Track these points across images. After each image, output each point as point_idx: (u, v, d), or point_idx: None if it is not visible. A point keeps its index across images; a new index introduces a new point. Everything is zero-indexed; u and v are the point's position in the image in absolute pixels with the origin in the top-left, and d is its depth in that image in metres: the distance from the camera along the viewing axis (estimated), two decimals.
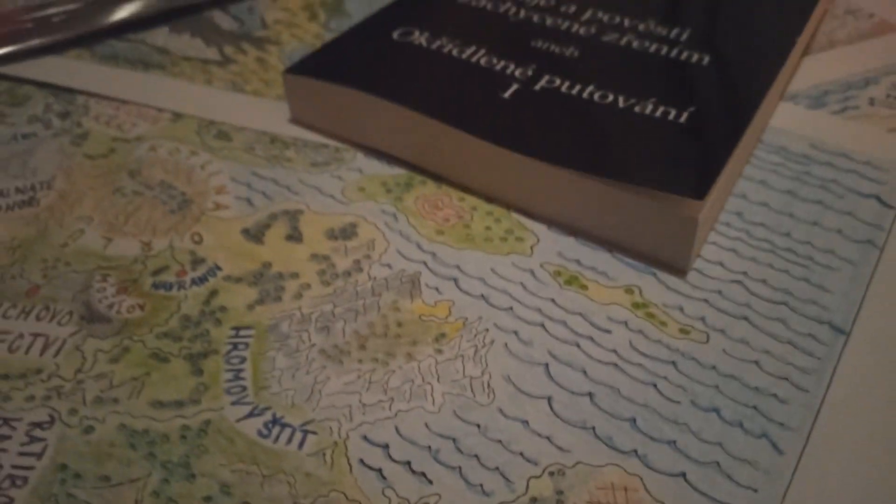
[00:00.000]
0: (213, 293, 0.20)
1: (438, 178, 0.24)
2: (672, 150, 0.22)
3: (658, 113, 0.23)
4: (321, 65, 0.26)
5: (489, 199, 0.24)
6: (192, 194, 0.24)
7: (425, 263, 0.21)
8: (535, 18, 0.28)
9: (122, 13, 0.31)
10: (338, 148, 0.26)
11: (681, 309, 0.20)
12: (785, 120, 0.27)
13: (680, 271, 0.21)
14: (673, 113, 0.23)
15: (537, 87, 0.24)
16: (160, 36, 0.32)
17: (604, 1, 0.29)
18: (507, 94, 0.24)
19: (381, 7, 0.33)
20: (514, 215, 0.23)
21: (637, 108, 0.23)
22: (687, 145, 0.22)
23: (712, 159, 0.21)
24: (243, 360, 0.19)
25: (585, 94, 0.24)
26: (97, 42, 0.31)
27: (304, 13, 0.33)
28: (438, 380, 0.18)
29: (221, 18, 0.33)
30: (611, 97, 0.24)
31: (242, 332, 0.19)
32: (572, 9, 0.29)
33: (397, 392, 0.18)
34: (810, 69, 0.30)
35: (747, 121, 0.23)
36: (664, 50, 0.26)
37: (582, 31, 0.27)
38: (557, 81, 0.25)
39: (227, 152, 0.25)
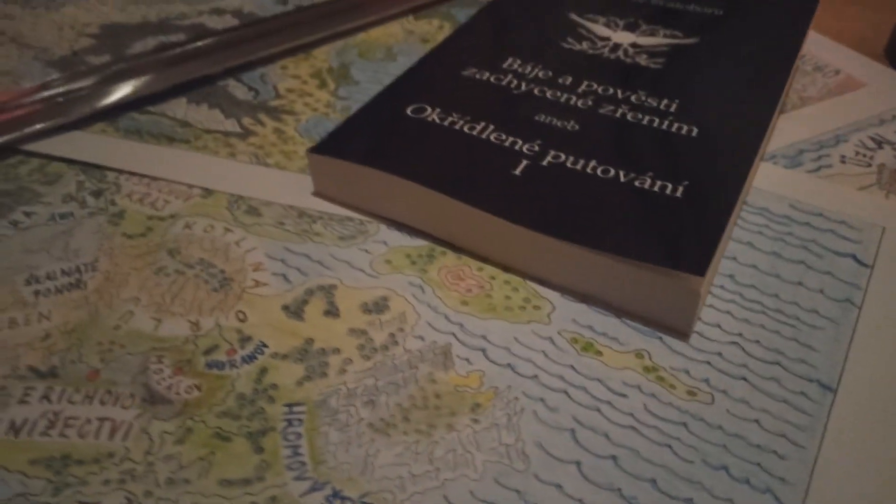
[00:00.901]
0: (263, 371, 0.22)
1: (457, 249, 0.26)
2: (671, 226, 0.24)
3: (656, 187, 0.25)
4: (342, 144, 0.28)
5: (505, 269, 0.26)
6: (231, 272, 0.25)
7: (454, 335, 0.23)
8: (536, 91, 0.31)
9: (141, 87, 0.33)
10: (361, 221, 0.28)
11: (687, 371, 0.22)
12: (766, 180, 0.30)
13: (683, 334, 0.23)
14: (669, 187, 0.25)
15: (544, 162, 0.27)
16: (179, 108, 0.33)
17: (597, 72, 0.32)
18: (517, 171, 0.26)
19: (390, 79, 0.35)
20: (530, 284, 0.25)
21: (637, 183, 0.26)
22: (685, 220, 0.24)
23: (710, 234, 0.23)
24: (299, 436, 0.21)
25: (589, 169, 0.26)
26: (118, 115, 0.33)
27: (313, 81, 0.35)
28: (478, 448, 0.20)
29: (236, 88, 0.35)
30: (612, 172, 0.26)
31: (295, 409, 0.21)
32: (569, 80, 0.31)
33: (442, 461, 0.20)
34: (785, 128, 0.33)
35: (738, 192, 0.25)
36: (656, 122, 0.29)
37: (580, 103, 0.30)
38: (562, 156, 0.27)
39: (259, 228, 0.27)
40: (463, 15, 0.41)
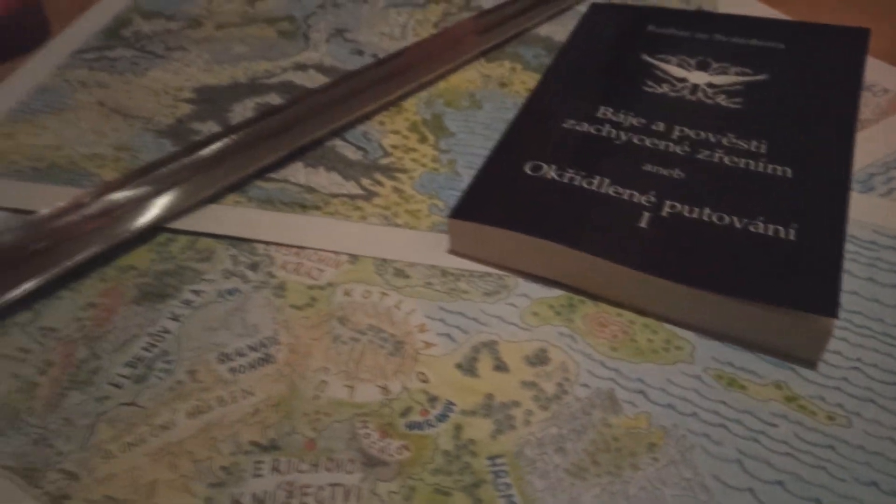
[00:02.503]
0: (458, 428, 0.25)
1: (593, 297, 0.30)
2: (795, 268, 0.27)
3: (770, 231, 0.29)
4: (477, 208, 0.31)
5: (642, 313, 0.29)
6: (400, 335, 0.28)
7: (614, 380, 0.27)
8: (636, 140, 0.34)
9: (262, 156, 0.35)
10: (500, 275, 0.31)
11: (822, 398, 0.26)
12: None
13: (812, 363, 0.27)
14: (782, 231, 0.29)
15: (664, 213, 0.30)
16: (300, 173, 0.36)
17: (685, 117, 0.35)
18: (643, 224, 0.29)
19: (481, 128, 0.37)
20: (666, 326, 0.28)
21: (751, 228, 0.29)
22: (805, 261, 0.27)
23: (831, 274, 0.27)
24: (509, 486, 0.24)
25: (705, 217, 0.30)
26: (245, 184, 0.35)
27: (413, 135, 0.38)
28: (664, 484, 0.24)
29: (344, 148, 0.37)
30: (726, 219, 0.29)
31: (497, 461, 0.24)
32: (661, 126, 0.34)
33: (637, 499, 0.23)
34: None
35: (844, 228, 0.29)
36: (752, 165, 0.32)
37: (679, 150, 0.33)
38: (678, 206, 0.30)
39: (411, 290, 0.30)
40: (530, 54, 0.43)
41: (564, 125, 0.35)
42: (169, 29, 0.47)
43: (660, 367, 0.27)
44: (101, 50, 0.45)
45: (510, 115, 0.39)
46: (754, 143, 0.33)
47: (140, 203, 0.33)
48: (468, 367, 0.27)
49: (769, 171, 0.32)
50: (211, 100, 0.40)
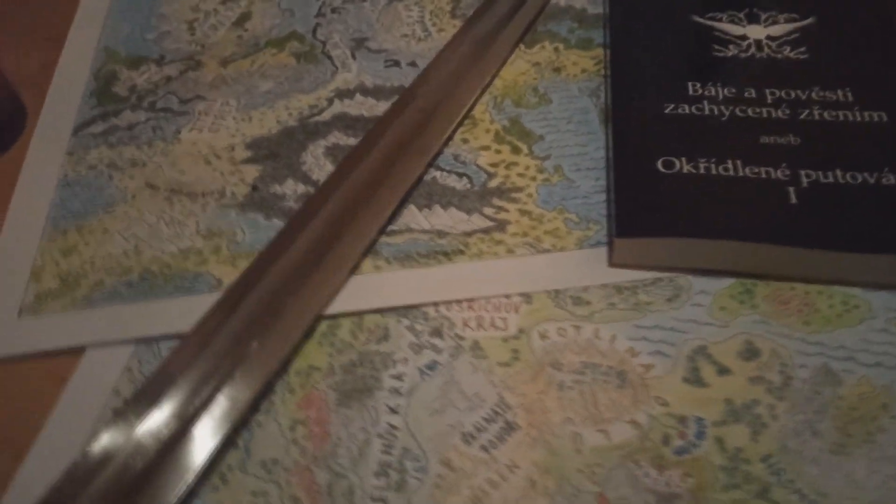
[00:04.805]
0: (720, 440, 0.27)
1: (760, 277, 0.32)
2: None
3: None
4: (637, 222, 0.31)
5: (810, 282, 0.31)
6: (617, 365, 0.29)
7: (822, 354, 0.29)
8: (738, 112, 0.35)
9: (386, 211, 0.34)
10: (670, 278, 0.32)
11: None
12: None
13: None
14: None
15: (804, 184, 0.32)
16: (419, 218, 0.34)
17: (766, 78, 0.36)
18: (793, 200, 0.31)
19: (565, 124, 0.37)
20: (835, 288, 0.31)
21: (884, 181, 0.32)
22: None
23: None
24: (792, 481, 0.26)
25: (840, 180, 0.32)
26: (373, 245, 0.33)
27: (503, 147, 0.37)
28: None
29: (446, 178, 0.36)
30: (858, 177, 0.32)
31: (771, 461, 0.27)
32: (753, 93, 0.36)
33: None
34: None
35: None
36: (849, 116, 0.34)
37: (780, 114, 0.35)
38: (812, 174, 0.32)
39: (599, 316, 0.31)
40: (564, 30, 0.43)
41: (666, 111, 0.35)
42: (168, 76, 0.41)
43: (851, 330, 0.30)
44: (105, 119, 0.39)
45: (582, 102, 0.39)
46: (839, 91, 0.35)
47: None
48: (695, 379, 0.29)
49: (866, 118, 0.34)
50: (274, 154, 0.37)
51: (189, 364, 0.29)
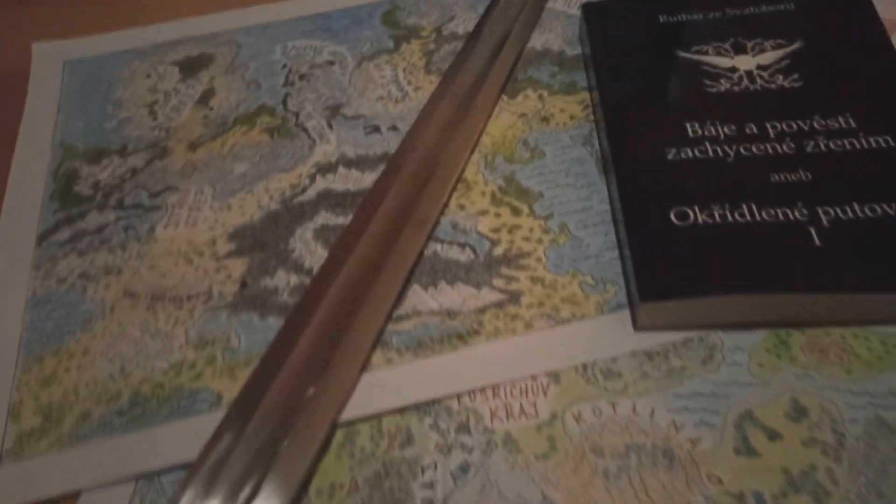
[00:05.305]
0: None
1: (795, 325, 0.30)
2: None
3: None
4: (660, 285, 0.29)
5: (845, 325, 0.30)
6: (661, 443, 0.27)
7: (871, 403, 0.28)
8: (743, 151, 0.34)
9: (390, 296, 0.31)
10: (700, 337, 0.30)
11: None
12: None
13: None
14: None
15: (825, 223, 0.31)
16: (426, 299, 0.32)
17: (764, 111, 0.35)
18: (817, 242, 0.30)
19: (561, 177, 0.35)
20: (871, 329, 0.30)
21: None
22: None
23: None
24: None
25: (860, 213, 0.31)
26: (381, 335, 0.31)
27: (503, 209, 0.35)
28: None
29: (448, 251, 0.34)
30: (878, 209, 0.31)
31: None
32: (754, 128, 0.34)
33: None
34: None
35: None
36: (855, 143, 0.33)
37: (786, 148, 0.33)
38: (831, 212, 0.31)
39: (634, 388, 0.29)
40: (545, 75, 0.41)
41: (669, 156, 0.34)
42: (133, 168, 0.39)
43: (895, 373, 0.29)
44: (70, 223, 0.36)
45: (577, 152, 0.37)
46: (840, 118, 0.34)
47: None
48: (746, 449, 0.27)
49: (872, 144, 0.33)
50: (259, 243, 0.35)
51: (199, 498, 0.26)
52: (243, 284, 0.33)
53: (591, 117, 0.39)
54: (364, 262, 0.33)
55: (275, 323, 0.32)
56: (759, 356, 0.29)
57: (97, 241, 0.36)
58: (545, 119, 0.39)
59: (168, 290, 0.33)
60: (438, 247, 0.34)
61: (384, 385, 0.30)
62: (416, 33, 0.45)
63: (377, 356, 0.30)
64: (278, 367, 0.29)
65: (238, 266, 0.34)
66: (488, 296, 0.32)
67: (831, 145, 0.33)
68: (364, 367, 0.30)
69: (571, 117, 0.39)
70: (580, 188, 0.36)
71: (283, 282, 0.33)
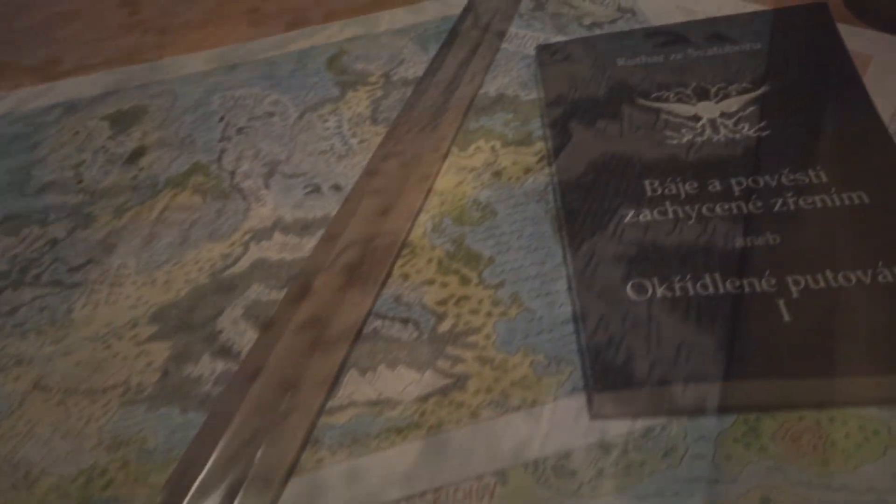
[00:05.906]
0: None
1: (763, 409, 0.27)
2: None
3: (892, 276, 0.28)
4: (616, 372, 0.27)
5: (818, 408, 0.27)
6: None
7: (852, 502, 0.25)
8: (705, 212, 0.31)
9: (324, 386, 0.28)
10: (662, 426, 0.27)
11: None
12: None
13: None
14: None
15: (795, 295, 0.28)
16: (362, 385, 0.29)
17: (731, 165, 0.32)
18: (786, 317, 0.27)
19: (515, 240, 0.33)
20: (846, 410, 0.27)
21: (880, 278, 0.28)
22: None
23: None
24: None
25: (834, 282, 0.28)
26: (312, 432, 0.28)
27: (450, 279, 0.32)
28: None
29: (389, 328, 0.31)
30: (852, 276, 0.28)
31: None
32: (717, 186, 0.32)
33: None
34: None
35: None
36: (826, 200, 0.31)
37: (752, 208, 0.31)
38: (801, 280, 0.28)
39: (590, 489, 0.26)
40: (499, 124, 0.39)
41: (626, 219, 0.31)
42: (54, 238, 0.36)
43: (876, 465, 0.26)
44: None
45: (531, 210, 0.34)
46: (811, 172, 0.32)
47: None
48: None
49: (846, 201, 0.31)
50: (185, 325, 0.32)
51: None
52: (164, 373, 0.30)
53: (547, 170, 0.36)
54: (296, 345, 0.30)
55: (196, 419, 0.29)
56: (726, 446, 0.27)
57: (9, 326, 0.33)
58: (497, 174, 0.36)
59: (82, 381, 0.30)
60: (379, 323, 0.31)
61: (312, 494, 0.27)
62: (363, 79, 0.42)
63: (307, 456, 0.28)
64: (195, 473, 0.27)
65: (160, 351, 0.31)
66: (431, 380, 0.29)
67: (801, 203, 0.31)
68: (292, 471, 0.27)
69: (526, 171, 0.36)
70: (534, 252, 0.33)
71: (209, 369, 0.30)
